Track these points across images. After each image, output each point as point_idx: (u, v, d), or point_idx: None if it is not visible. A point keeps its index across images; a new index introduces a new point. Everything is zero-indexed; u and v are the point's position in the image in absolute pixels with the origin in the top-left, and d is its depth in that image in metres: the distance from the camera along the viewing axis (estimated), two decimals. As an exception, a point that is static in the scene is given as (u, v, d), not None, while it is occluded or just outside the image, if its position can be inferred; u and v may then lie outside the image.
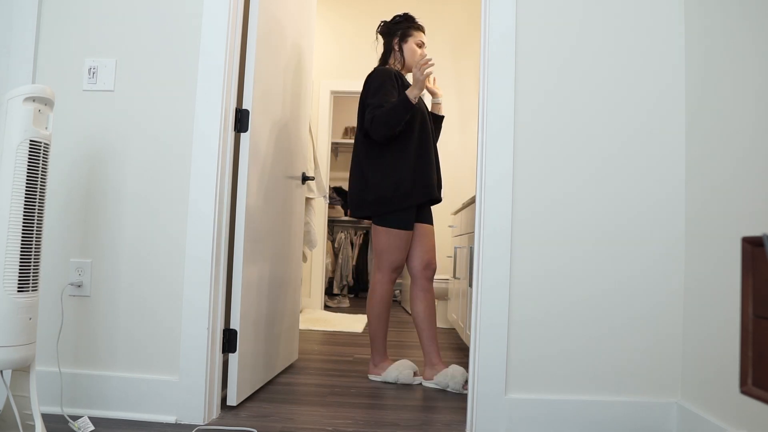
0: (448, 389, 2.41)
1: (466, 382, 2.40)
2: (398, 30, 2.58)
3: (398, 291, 6.34)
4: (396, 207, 2.42)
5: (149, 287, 1.88)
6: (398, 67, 2.61)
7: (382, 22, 2.66)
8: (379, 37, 2.67)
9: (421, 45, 2.59)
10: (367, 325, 2.55)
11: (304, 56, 2.72)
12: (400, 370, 2.49)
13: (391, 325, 4.33)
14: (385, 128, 2.35)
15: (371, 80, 2.47)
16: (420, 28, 2.60)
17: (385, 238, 2.48)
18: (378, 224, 2.49)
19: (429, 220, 2.61)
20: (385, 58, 2.63)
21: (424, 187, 2.47)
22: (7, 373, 1.57)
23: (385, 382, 2.49)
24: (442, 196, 2.67)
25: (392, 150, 2.44)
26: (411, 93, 2.30)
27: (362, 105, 2.49)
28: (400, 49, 2.58)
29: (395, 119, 2.33)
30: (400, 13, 2.65)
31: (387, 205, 2.42)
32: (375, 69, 2.52)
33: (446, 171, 5.11)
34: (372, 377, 2.55)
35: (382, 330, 2.56)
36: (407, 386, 2.45)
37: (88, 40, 1.94)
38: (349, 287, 6.51)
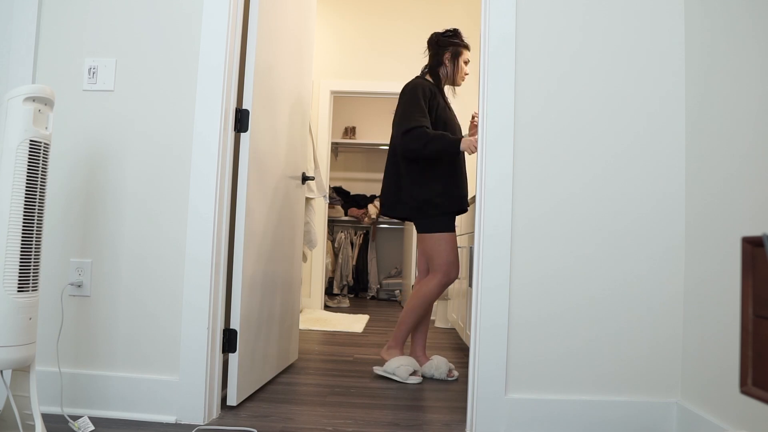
0: (434, 378, 2.57)
1: (450, 370, 2.63)
2: (450, 46, 2.69)
3: (398, 291, 6.34)
4: (441, 211, 2.53)
5: (149, 287, 1.88)
6: (443, 78, 2.72)
7: (434, 33, 2.77)
8: (428, 48, 2.76)
9: (466, 62, 2.73)
10: (402, 314, 2.66)
11: (304, 56, 2.72)
12: (400, 363, 2.51)
13: (392, 326, 4.32)
14: (418, 148, 2.47)
15: (407, 91, 2.59)
16: (468, 47, 2.74)
17: (435, 244, 2.55)
18: (425, 231, 2.57)
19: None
20: (433, 69, 2.72)
21: (460, 198, 2.60)
22: (7, 373, 1.57)
23: (384, 376, 2.54)
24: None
25: (443, 161, 2.56)
26: (463, 146, 2.45)
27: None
28: (452, 64, 2.70)
29: (434, 149, 2.46)
30: (451, 28, 2.77)
31: (436, 208, 2.53)
32: (412, 81, 2.63)
33: (446, 171, 5.11)
34: (376, 370, 2.58)
35: (410, 325, 2.61)
36: (408, 386, 2.44)
37: (88, 40, 1.94)
38: (349, 287, 6.50)
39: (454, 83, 2.75)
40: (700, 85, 1.75)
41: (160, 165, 1.90)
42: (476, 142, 2.43)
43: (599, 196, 1.85)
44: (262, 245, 2.21)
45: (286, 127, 2.47)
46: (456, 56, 2.69)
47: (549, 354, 1.82)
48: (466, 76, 2.76)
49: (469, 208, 2.72)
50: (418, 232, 2.60)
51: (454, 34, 2.72)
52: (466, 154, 2.54)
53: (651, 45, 1.86)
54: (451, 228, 2.57)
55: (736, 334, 1.49)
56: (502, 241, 1.83)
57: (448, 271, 2.57)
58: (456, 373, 2.63)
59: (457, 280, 3.70)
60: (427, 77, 2.73)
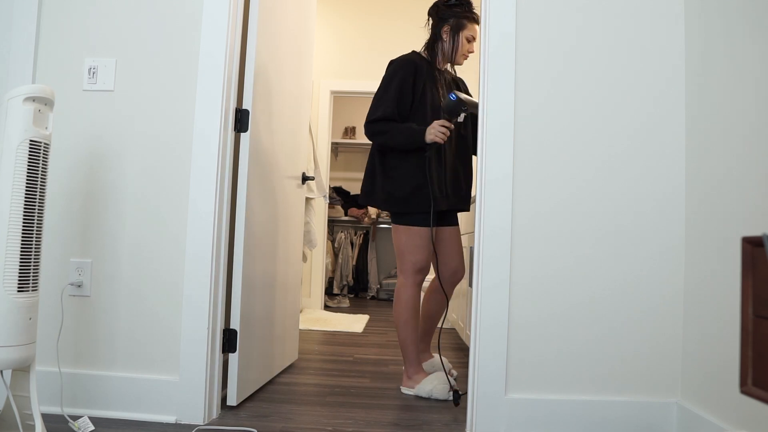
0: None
1: (449, 369, 2.51)
2: (451, 17, 2.34)
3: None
4: (413, 209, 2.29)
5: (149, 287, 1.88)
6: (441, 54, 2.39)
7: (435, 2, 2.41)
8: (429, 19, 2.42)
9: (471, 39, 2.36)
10: (396, 333, 2.41)
11: (303, 56, 2.72)
12: (434, 384, 2.25)
13: (392, 326, 4.32)
14: (383, 142, 2.28)
15: (387, 72, 2.32)
16: (476, 20, 2.34)
17: (405, 237, 2.32)
18: (397, 222, 2.34)
19: (453, 221, 2.50)
20: (430, 44, 2.40)
21: (433, 199, 2.29)
22: (7, 373, 1.57)
23: (418, 397, 2.27)
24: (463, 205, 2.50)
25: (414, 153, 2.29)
26: (428, 137, 2.19)
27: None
28: (452, 39, 2.35)
29: (397, 143, 2.25)
30: None
31: (404, 204, 2.29)
32: (399, 57, 2.35)
33: (446, 171, 5.10)
34: (404, 390, 2.33)
35: (411, 338, 2.33)
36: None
37: (88, 40, 1.94)
38: (349, 287, 6.50)
39: (453, 62, 2.40)
40: (700, 83, 1.75)
41: (161, 165, 1.90)
42: (439, 127, 2.17)
43: (599, 195, 1.85)
44: (262, 245, 2.21)
45: (286, 127, 2.47)
46: (457, 30, 2.33)
47: (549, 354, 1.82)
48: (470, 55, 2.40)
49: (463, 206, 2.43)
50: (392, 222, 2.36)
51: (459, 3, 2.33)
52: (459, 148, 2.36)
53: (651, 43, 1.86)
54: (427, 223, 2.29)
55: (736, 334, 1.49)
56: (502, 241, 1.83)
57: (419, 269, 2.33)
58: (455, 372, 2.60)
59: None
60: (424, 53, 2.41)
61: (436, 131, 2.19)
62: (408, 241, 2.32)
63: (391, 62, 2.36)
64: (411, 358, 2.34)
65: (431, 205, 2.27)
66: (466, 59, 2.43)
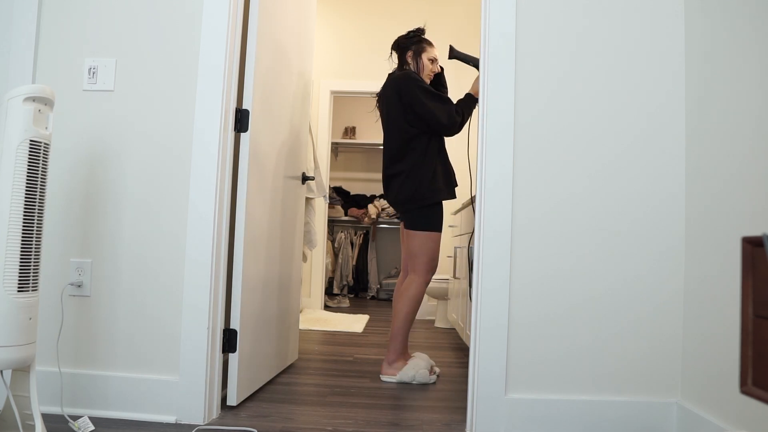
0: (414, 382, 2.48)
1: (432, 366, 2.59)
2: (412, 44, 2.69)
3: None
4: (431, 201, 2.54)
5: (149, 287, 1.88)
6: None
7: (397, 38, 2.77)
8: (393, 52, 2.75)
9: (433, 60, 2.70)
10: (393, 320, 2.57)
11: (304, 56, 2.72)
12: (417, 369, 2.47)
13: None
14: (467, 118, 2.59)
15: (415, 84, 2.52)
16: (431, 44, 2.72)
17: (423, 241, 2.54)
18: (413, 228, 2.54)
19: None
20: (400, 69, 2.70)
21: (450, 186, 2.60)
22: (7, 373, 1.57)
23: (401, 383, 2.47)
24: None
25: (434, 147, 2.58)
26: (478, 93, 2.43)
27: (410, 106, 2.52)
28: (415, 62, 2.68)
29: (470, 111, 2.61)
30: (414, 28, 2.75)
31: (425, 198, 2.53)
32: (406, 74, 2.58)
33: (446, 171, 5.10)
34: (385, 378, 2.52)
35: (407, 329, 2.56)
36: (407, 386, 2.44)
37: (88, 40, 1.94)
38: (349, 287, 6.50)
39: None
40: (700, 85, 1.75)
41: (160, 165, 1.90)
42: (476, 83, 2.57)
43: (599, 196, 1.85)
44: (262, 245, 2.21)
45: (286, 127, 2.47)
46: (418, 54, 2.66)
47: (549, 354, 1.82)
48: (432, 74, 2.72)
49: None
50: (407, 227, 2.58)
51: (416, 32, 2.71)
52: (446, 144, 2.68)
53: (651, 45, 1.86)
54: (440, 226, 2.56)
55: (736, 334, 1.49)
56: (502, 241, 1.83)
57: (430, 269, 2.56)
58: (438, 370, 2.63)
59: (456, 280, 3.70)
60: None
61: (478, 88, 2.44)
62: (428, 244, 2.54)
63: (408, 78, 2.55)
64: (399, 348, 2.55)
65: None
66: (431, 78, 2.73)
